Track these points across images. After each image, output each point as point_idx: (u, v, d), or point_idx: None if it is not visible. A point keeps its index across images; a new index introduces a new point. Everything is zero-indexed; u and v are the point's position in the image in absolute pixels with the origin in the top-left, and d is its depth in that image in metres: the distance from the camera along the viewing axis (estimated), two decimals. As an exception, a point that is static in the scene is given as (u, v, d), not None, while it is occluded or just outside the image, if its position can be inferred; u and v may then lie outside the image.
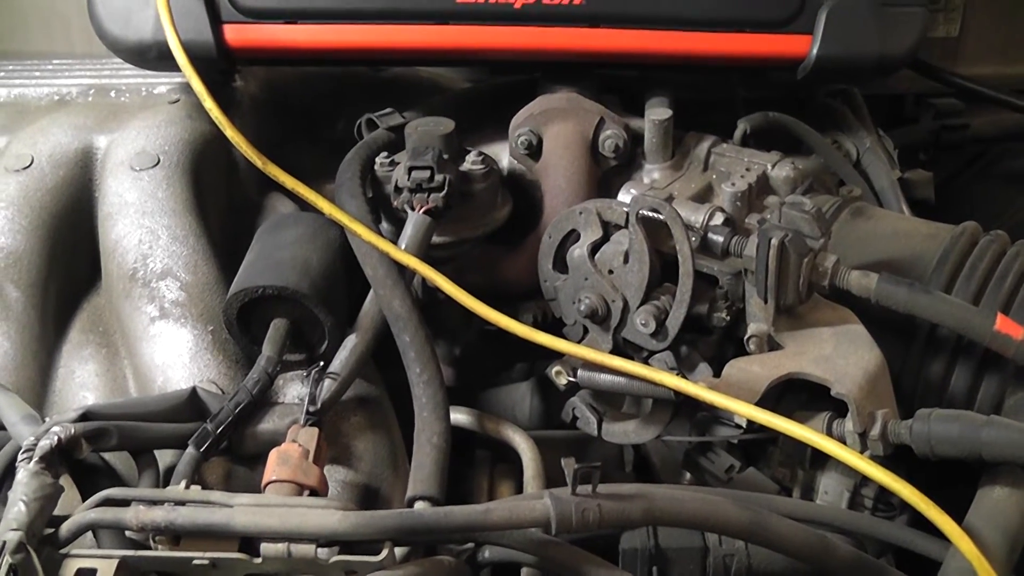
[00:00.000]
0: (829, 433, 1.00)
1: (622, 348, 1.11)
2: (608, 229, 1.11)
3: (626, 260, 1.08)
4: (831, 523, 1.01)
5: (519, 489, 1.14)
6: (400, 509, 0.89)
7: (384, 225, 1.19)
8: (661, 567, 1.01)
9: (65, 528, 0.84)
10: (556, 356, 1.08)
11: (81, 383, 1.10)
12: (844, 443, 0.98)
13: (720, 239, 1.07)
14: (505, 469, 1.17)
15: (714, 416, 1.11)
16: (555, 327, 1.18)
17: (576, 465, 0.87)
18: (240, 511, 0.85)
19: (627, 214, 1.08)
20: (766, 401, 1.00)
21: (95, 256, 1.18)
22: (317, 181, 1.31)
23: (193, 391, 1.02)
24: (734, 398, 0.96)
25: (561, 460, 0.89)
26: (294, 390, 1.07)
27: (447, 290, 1.05)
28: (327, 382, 1.02)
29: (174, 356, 1.06)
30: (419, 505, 0.94)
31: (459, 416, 1.15)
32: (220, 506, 0.85)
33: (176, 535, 0.84)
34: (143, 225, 1.14)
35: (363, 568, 0.84)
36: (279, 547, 0.84)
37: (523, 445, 1.11)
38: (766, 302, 1.03)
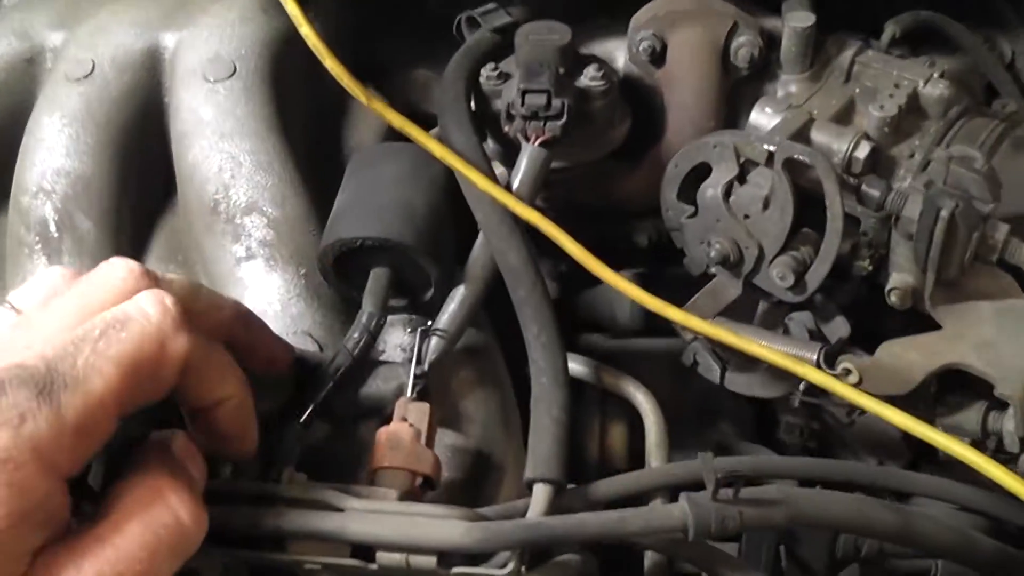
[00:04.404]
0: (984, 427, 0.92)
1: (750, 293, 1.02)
2: (745, 167, 0.99)
3: (765, 206, 0.97)
4: (971, 505, 0.94)
5: (633, 432, 1.08)
6: (528, 520, 0.82)
7: (489, 144, 1.07)
8: (788, 545, 0.97)
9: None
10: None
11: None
12: (1002, 440, 0.90)
13: (876, 194, 0.95)
14: (616, 410, 1.10)
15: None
16: (671, 247, 1.09)
17: (717, 470, 0.80)
18: (353, 518, 0.78)
19: (769, 154, 0.96)
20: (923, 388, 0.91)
21: (169, 172, 1.06)
22: (406, 70, 1.19)
23: (289, 350, 0.93)
24: (886, 387, 0.88)
25: (699, 456, 0.83)
26: (395, 338, 0.98)
27: (565, 246, 0.94)
28: (434, 340, 0.93)
29: (264, 304, 0.96)
30: (539, 488, 0.87)
31: (575, 366, 1.06)
32: (332, 510, 0.79)
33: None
34: (223, 150, 1.00)
35: (487, 580, 0.78)
36: (397, 557, 0.78)
37: (646, 406, 1.03)
38: (925, 273, 0.92)
